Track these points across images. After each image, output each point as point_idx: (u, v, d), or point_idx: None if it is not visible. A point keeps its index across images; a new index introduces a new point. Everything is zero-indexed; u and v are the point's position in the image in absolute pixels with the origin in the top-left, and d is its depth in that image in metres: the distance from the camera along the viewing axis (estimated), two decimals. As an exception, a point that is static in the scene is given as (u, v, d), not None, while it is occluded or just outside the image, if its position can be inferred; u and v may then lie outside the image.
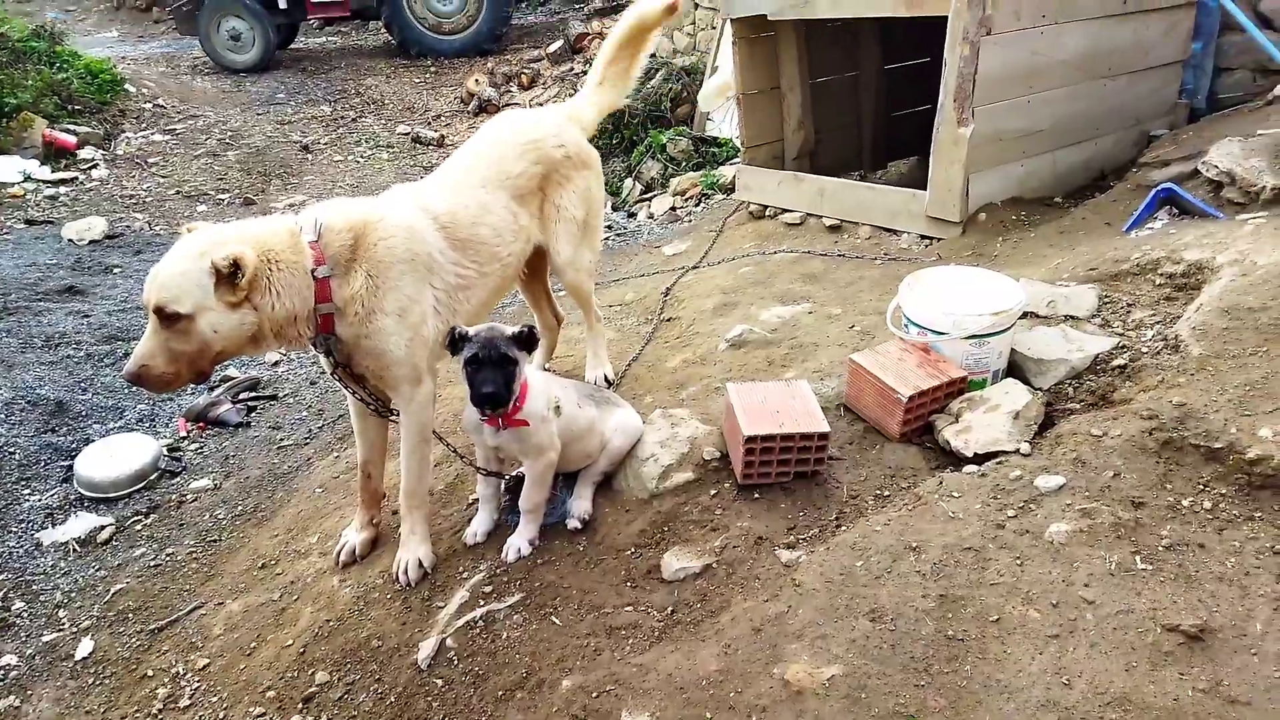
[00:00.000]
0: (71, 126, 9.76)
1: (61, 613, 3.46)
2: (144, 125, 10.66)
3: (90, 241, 7.30)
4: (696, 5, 9.53)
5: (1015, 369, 3.19)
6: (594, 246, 3.68)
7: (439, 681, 2.59)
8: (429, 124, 11.08)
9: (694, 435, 3.14)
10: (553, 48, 11.72)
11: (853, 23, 6.00)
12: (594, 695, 2.37)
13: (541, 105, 10.63)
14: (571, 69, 11.21)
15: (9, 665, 3.24)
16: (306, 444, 4.44)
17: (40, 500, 4.06)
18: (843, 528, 2.73)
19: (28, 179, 8.82)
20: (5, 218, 8.01)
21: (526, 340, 2.73)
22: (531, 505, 2.99)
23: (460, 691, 2.55)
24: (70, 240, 7.27)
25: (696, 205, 7.04)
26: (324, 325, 2.76)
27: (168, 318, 2.52)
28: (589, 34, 11.84)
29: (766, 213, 5.79)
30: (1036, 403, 2.89)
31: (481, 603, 2.82)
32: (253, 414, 4.83)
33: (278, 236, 2.68)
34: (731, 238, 5.73)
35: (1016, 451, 2.73)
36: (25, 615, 3.49)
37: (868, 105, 6.50)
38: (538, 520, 3.03)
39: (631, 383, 3.80)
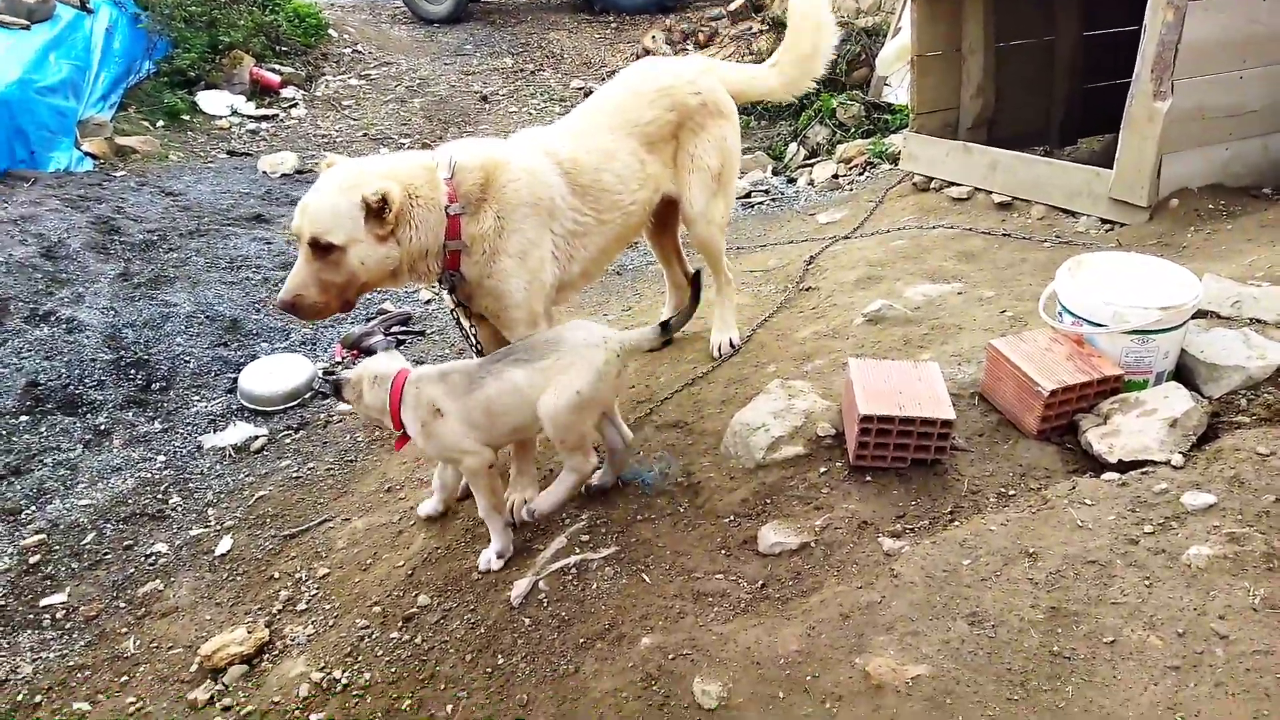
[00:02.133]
0: (277, 66, 10.48)
1: (210, 511, 3.78)
2: (342, 69, 11.31)
3: (281, 175, 7.85)
4: (886, -37, 9.05)
5: (1182, 372, 2.85)
6: (728, 200, 3.55)
7: (526, 620, 2.64)
8: (603, 80, 11.15)
9: (810, 409, 3.01)
10: (734, 5, 11.46)
11: (1051, -17, 5.50)
12: (670, 657, 2.34)
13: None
14: (750, 28, 10.94)
15: (159, 553, 3.58)
16: (445, 380, 4.62)
17: (206, 407, 4.44)
18: (956, 522, 2.54)
19: (234, 113, 9.56)
20: (211, 147, 8.76)
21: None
22: (482, 513, 2.90)
23: (545, 633, 2.58)
24: (264, 172, 7.86)
25: (860, 174, 6.74)
26: (451, 262, 2.81)
27: (321, 249, 2.62)
28: (772, -10, 11.50)
29: (932, 185, 5.45)
30: (1199, 412, 2.57)
31: (578, 551, 2.84)
32: (401, 347, 5.04)
33: (416, 172, 2.74)
34: (890, 209, 5.44)
35: (1167, 463, 2.45)
36: (179, 510, 3.84)
37: (1060, 74, 5.96)
38: (498, 528, 2.90)
39: (756, 350, 3.70)
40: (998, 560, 2.28)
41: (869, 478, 2.76)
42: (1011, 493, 2.61)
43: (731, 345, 3.72)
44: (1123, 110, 4.25)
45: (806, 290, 4.30)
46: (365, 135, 9.52)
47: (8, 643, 3.24)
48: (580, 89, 10.85)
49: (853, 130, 7.57)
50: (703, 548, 2.74)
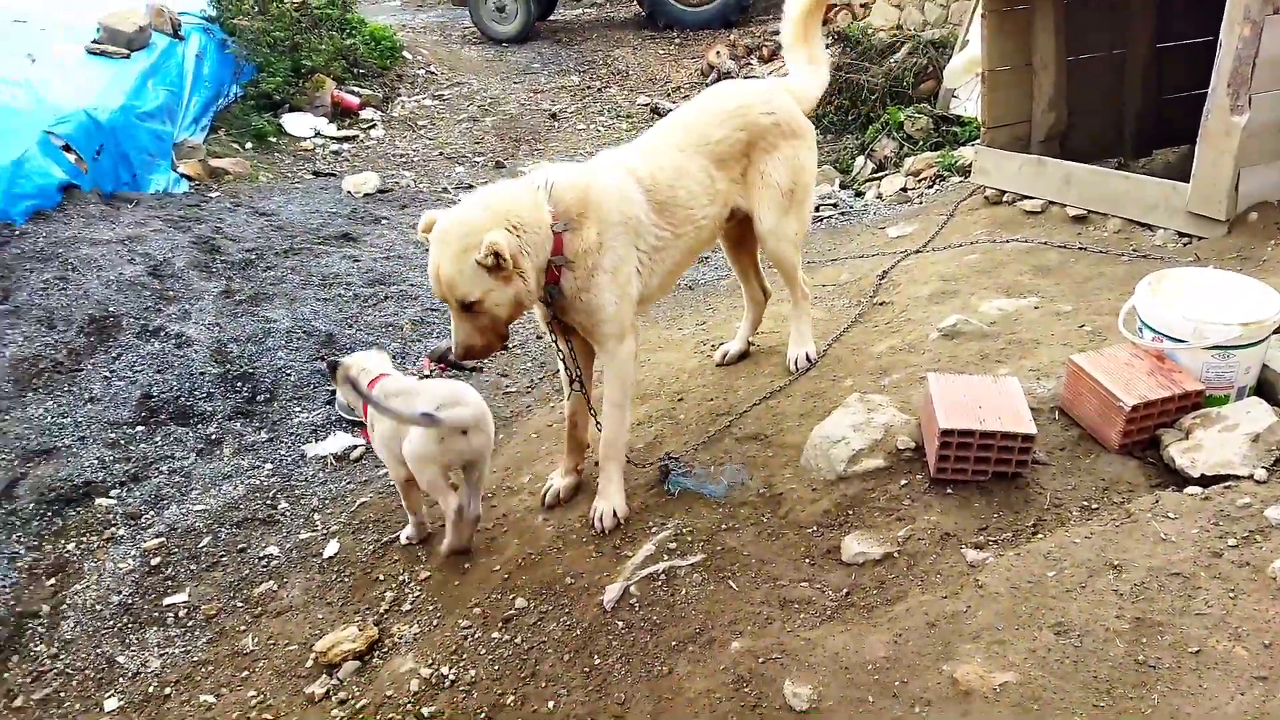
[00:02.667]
0: (356, 89, 10.90)
1: (316, 516, 4.02)
2: (417, 90, 11.70)
3: (364, 194, 8.19)
4: (953, -26, 9.07)
5: (1264, 387, 2.88)
6: (802, 217, 3.64)
7: (620, 624, 2.79)
8: (668, 95, 11.34)
9: (890, 423, 3.11)
10: (798, 19, 11.58)
11: (1123, -5, 5.49)
12: (760, 660, 2.46)
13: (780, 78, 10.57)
14: (815, 41, 11.05)
15: (272, 555, 3.82)
16: (528, 392, 4.82)
17: (308, 417, 4.71)
18: (1039, 535, 2.62)
19: (317, 135, 9.99)
20: (297, 168, 9.17)
21: None
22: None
23: (638, 635, 2.73)
24: (348, 192, 8.20)
25: (930, 187, 6.77)
26: (550, 277, 2.98)
27: (465, 306, 2.85)
28: (837, 5, 11.56)
29: (1004, 198, 5.48)
30: (1283, 427, 2.61)
31: (665, 557, 2.98)
32: (485, 362, 5.29)
33: (520, 201, 2.91)
34: (962, 223, 5.48)
35: (1250, 477, 2.49)
36: (288, 515, 4.09)
37: (1133, 86, 5.93)
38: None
39: (833, 364, 3.80)
40: (1082, 572, 2.35)
41: (950, 490, 2.84)
42: (1094, 506, 2.68)
43: (808, 359, 3.83)
44: (1198, 122, 4.25)
45: (880, 305, 4.38)
46: (440, 154, 9.85)
47: (137, 639, 3.51)
48: (646, 105, 11.05)
49: (921, 143, 7.60)
50: (787, 556, 2.86)
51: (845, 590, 2.64)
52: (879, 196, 6.96)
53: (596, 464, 3.43)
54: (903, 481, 2.93)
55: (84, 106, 7.20)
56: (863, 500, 2.91)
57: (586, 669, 2.70)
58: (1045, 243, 4.74)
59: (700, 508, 3.19)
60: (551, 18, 15.13)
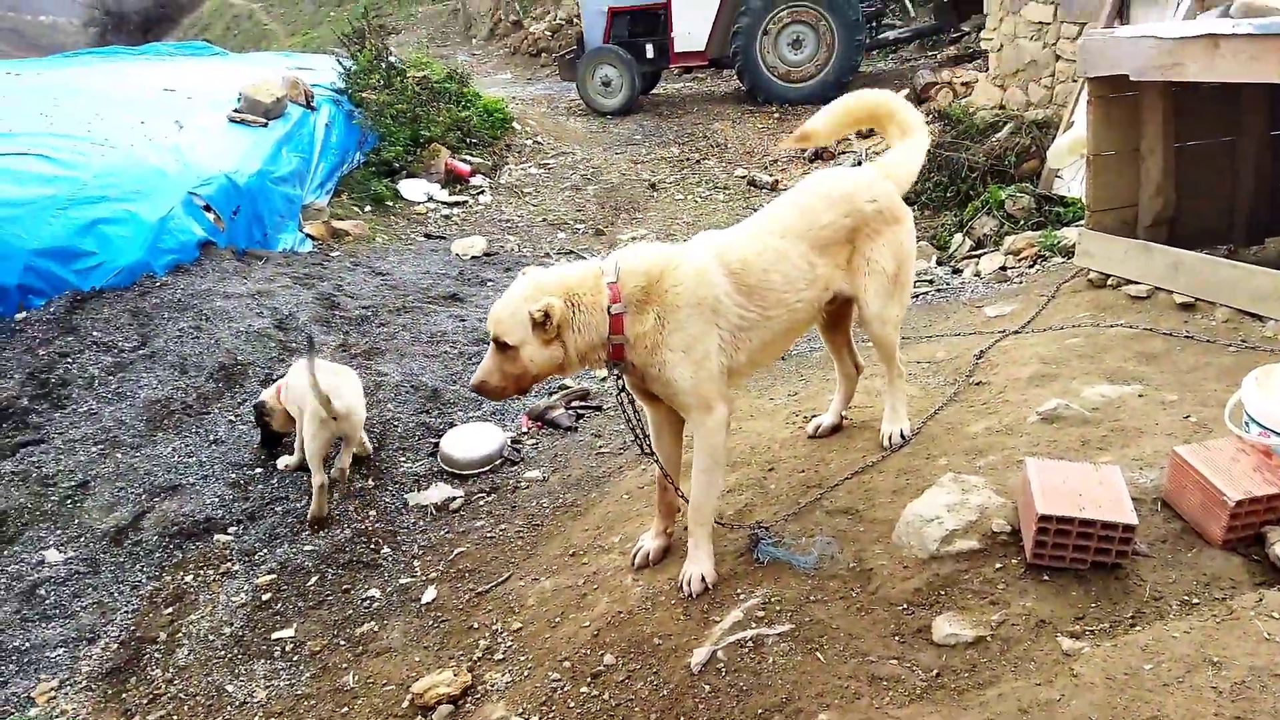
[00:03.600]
0: (468, 157, 11.53)
1: (416, 563, 4.21)
2: (523, 159, 12.28)
3: (471, 257, 8.61)
4: (1058, 57, 9.08)
5: (1384, 490, 2.78)
6: (903, 301, 3.72)
7: (706, 687, 2.84)
8: (765, 168, 11.59)
9: (985, 505, 3.11)
10: (901, 94, 11.71)
11: (1232, 85, 5.44)
12: (847, 734, 2.48)
13: (879, 155, 10.69)
14: (914, 118, 11.16)
15: (374, 598, 4.02)
16: (621, 454, 4.95)
17: (411, 468, 4.95)
18: (1137, 627, 2.58)
19: (430, 199, 10.58)
20: (411, 231, 9.71)
21: None
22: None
23: (724, 701, 2.77)
24: (457, 254, 8.64)
25: (1030, 267, 6.73)
26: (615, 354, 3.20)
27: (501, 346, 3.12)
28: (937, 84, 11.68)
29: (1108, 282, 5.41)
30: (1403, 531, 2.52)
31: (753, 625, 3.03)
32: (580, 420, 5.46)
33: (585, 281, 3.16)
34: (1064, 305, 5.43)
35: (1365, 582, 2.41)
36: (389, 560, 4.30)
37: (1246, 173, 5.81)
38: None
39: (927, 442, 3.81)
40: (1180, 667, 2.31)
41: (1046, 577, 2.82)
42: (1195, 601, 2.62)
43: (903, 436, 3.86)
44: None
45: (977, 385, 4.38)
46: (544, 220, 10.28)
47: (245, 670, 3.72)
48: (743, 177, 11.31)
49: (1021, 222, 7.57)
50: (876, 632, 2.87)
51: (935, 671, 2.64)
52: (977, 274, 6.94)
53: (686, 528, 3.51)
54: (997, 565, 2.92)
55: (224, 170, 7.85)
56: (955, 581, 2.91)
57: (673, 730, 2.75)
58: (1150, 329, 4.67)
59: (789, 578, 3.23)
60: (654, 91, 15.71)
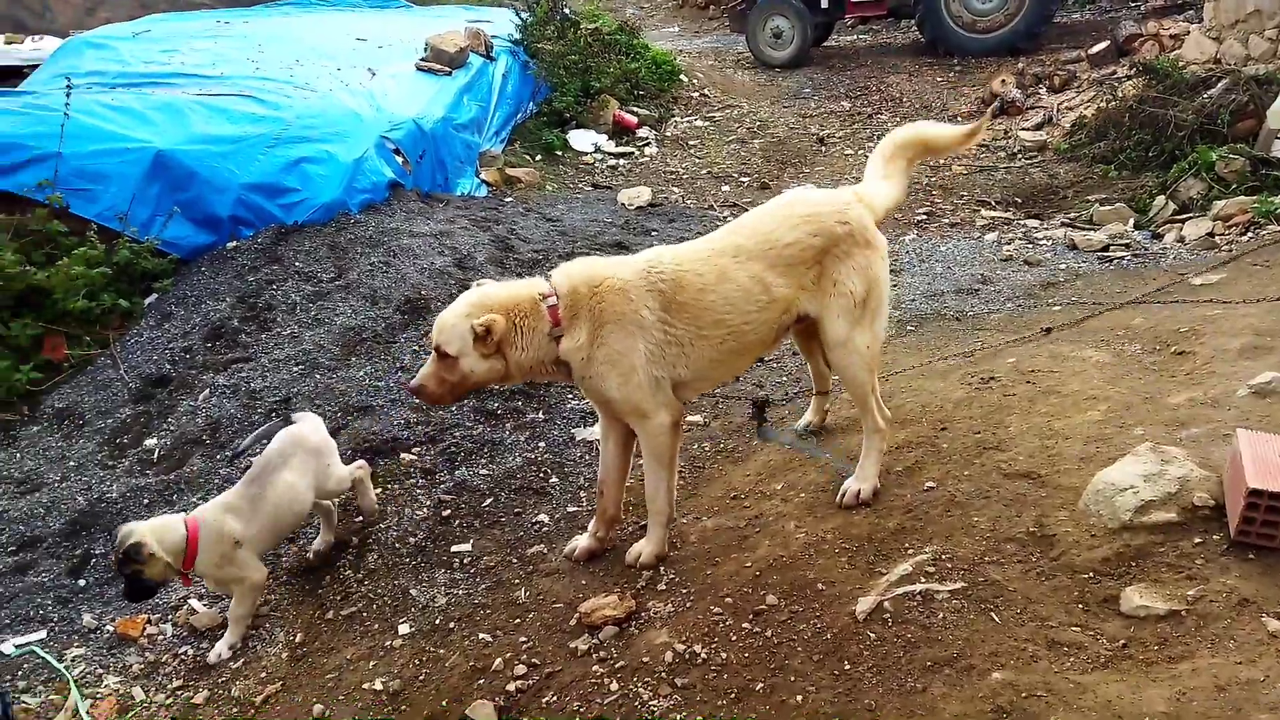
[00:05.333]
0: (635, 109, 11.59)
1: (582, 493, 4.38)
2: (689, 111, 12.23)
3: (636, 207, 8.70)
4: (1289, 5, 8.15)
5: None
6: (874, 333, 3.48)
7: (871, 635, 2.84)
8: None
9: (1185, 477, 2.92)
10: (1096, 49, 10.84)
11: None
12: (1023, 695, 2.43)
13: (1072, 110, 9.98)
14: (1115, 72, 10.30)
15: (543, 522, 4.21)
16: (782, 404, 4.93)
17: (578, 404, 5.12)
18: (1360, 616, 2.37)
19: (597, 150, 10.73)
20: (578, 180, 9.91)
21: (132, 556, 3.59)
22: (234, 617, 3.90)
23: (890, 649, 2.76)
24: (622, 204, 8.75)
25: (1242, 234, 6.15)
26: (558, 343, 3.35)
27: (442, 355, 3.30)
28: (1142, 35, 10.74)
29: (1337, 252, 4.89)
30: None
31: (923, 580, 2.99)
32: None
33: (525, 303, 3.31)
34: (1281, 275, 4.96)
35: None
36: (557, 488, 4.49)
37: None
38: (240, 631, 3.88)
39: (1120, 410, 3.59)
40: None
41: (1252, 555, 2.64)
42: None
43: (858, 499, 3.53)
44: None
45: (1179, 354, 4.07)
46: (708, 173, 10.24)
47: (427, 577, 4.00)
48: (918, 133, 10.82)
49: (1234, 186, 6.90)
50: (1057, 599, 2.77)
51: (1122, 641, 2.53)
52: (1180, 240, 6.41)
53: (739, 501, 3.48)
54: (1197, 539, 2.75)
55: (412, 116, 8.24)
56: (1148, 553, 2.76)
57: (836, 672, 2.77)
58: (1388, 304, 4.19)
59: (960, 536, 3.15)
60: (825, 44, 15.23)
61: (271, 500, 3.91)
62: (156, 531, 3.68)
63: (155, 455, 5.23)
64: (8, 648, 4.08)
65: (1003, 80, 10.95)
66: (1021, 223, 7.87)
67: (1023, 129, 10.05)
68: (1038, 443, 3.53)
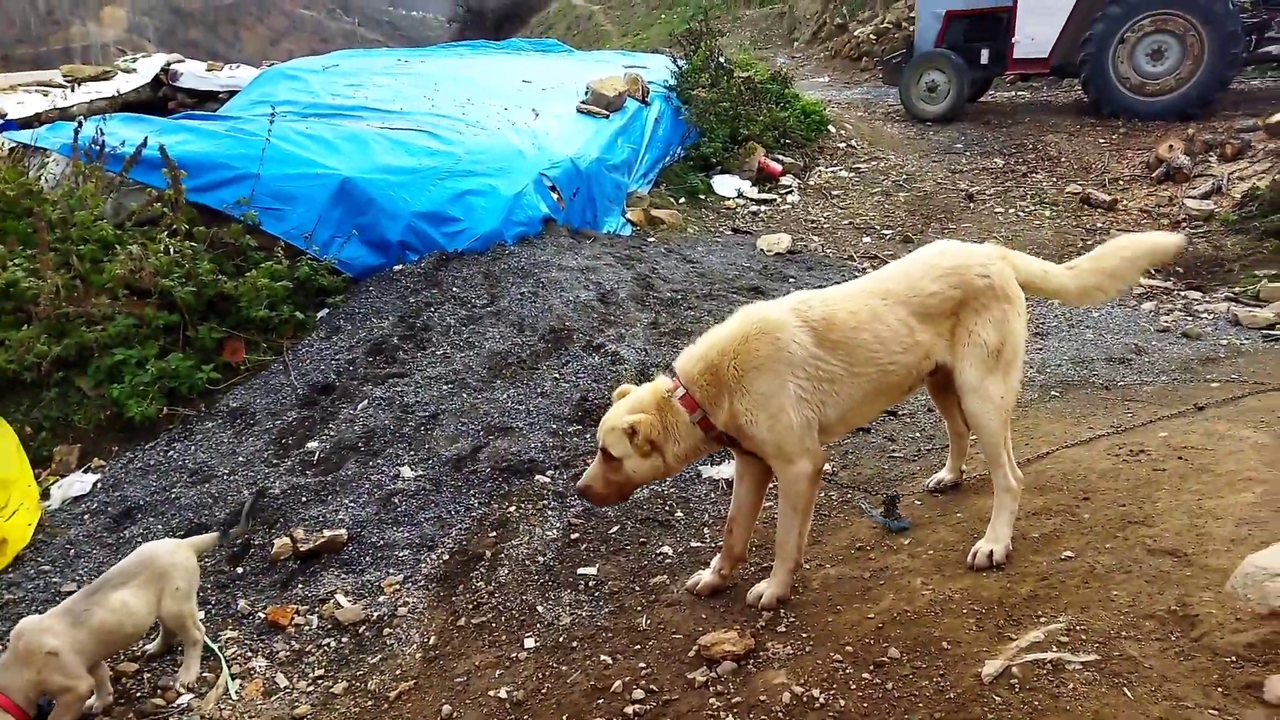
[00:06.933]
0: (780, 157, 11.77)
1: (705, 529, 4.49)
2: (834, 161, 12.29)
3: (775, 253, 8.82)
4: None
5: None
6: (1008, 384, 3.51)
7: (997, 698, 2.81)
8: (1103, 186, 10.65)
9: (1351, 570, 2.77)
10: (1275, 118, 10.25)
11: None
12: (1154, 775, 2.36)
13: (1244, 180, 9.47)
14: (1296, 141, 9.72)
15: (666, 554, 4.34)
16: (914, 460, 4.91)
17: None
18: None
19: (740, 195, 10.94)
20: (719, 224, 10.12)
21: None
22: None
23: (1015, 715, 2.73)
24: (762, 250, 8.89)
25: None
26: (719, 437, 3.52)
27: (607, 456, 3.47)
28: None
29: None
30: None
31: (1054, 649, 2.93)
32: (872, 424, 5.47)
33: (663, 401, 3.48)
34: None
35: None
36: (681, 523, 4.61)
37: None
38: None
39: (1277, 495, 3.41)
40: None
41: None
42: None
43: (990, 560, 3.47)
44: None
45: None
46: (850, 224, 10.26)
47: (554, 596, 4.19)
48: (1076, 194, 10.50)
49: None
50: (1195, 680, 2.67)
51: (1265, 733, 2.42)
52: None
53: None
54: (1361, 636, 2.60)
55: (570, 155, 8.69)
56: (1301, 644, 2.63)
57: (956, 731, 2.76)
58: None
59: (1097, 609, 3.08)
60: (981, 100, 14.98)
61: (99, 618, 3.78)
62: None
63: (315, 457, 5.68)
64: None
65: (1170, 146, 10.50)
66: (1182, 294, 7.53)
67: (1189, 197, 9.60)
68: (1186, 520, 3.41)
